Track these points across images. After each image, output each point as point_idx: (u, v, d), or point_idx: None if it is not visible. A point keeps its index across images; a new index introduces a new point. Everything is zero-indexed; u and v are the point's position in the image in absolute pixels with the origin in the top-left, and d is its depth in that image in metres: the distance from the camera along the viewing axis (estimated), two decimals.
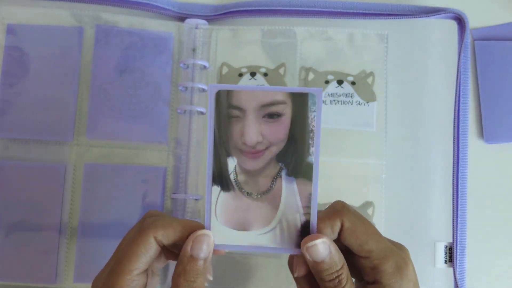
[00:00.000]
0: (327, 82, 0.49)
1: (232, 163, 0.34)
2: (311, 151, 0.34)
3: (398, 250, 0.35)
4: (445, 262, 0.48)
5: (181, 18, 0.51)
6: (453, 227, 0.47)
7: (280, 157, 0.34)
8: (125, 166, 0.49)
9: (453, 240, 0.47)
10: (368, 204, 0.48)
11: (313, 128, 0.34)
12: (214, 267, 0.48)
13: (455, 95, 0.48)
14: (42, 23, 0.50)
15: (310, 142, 0.34)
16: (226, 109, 0.34)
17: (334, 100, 0.49)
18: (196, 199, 0.48)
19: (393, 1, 0.52)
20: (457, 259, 0.47)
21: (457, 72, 0.48)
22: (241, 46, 0.51)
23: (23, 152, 0.49)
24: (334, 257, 0.33)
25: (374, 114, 0.49)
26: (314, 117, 0.33)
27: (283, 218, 0.34)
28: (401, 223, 0.49)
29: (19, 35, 0.50)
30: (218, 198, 0.34)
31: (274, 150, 0.34)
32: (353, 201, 0.48)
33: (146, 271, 0.34)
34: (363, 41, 0.50)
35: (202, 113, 0.49)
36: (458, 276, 0.46)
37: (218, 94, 0.34)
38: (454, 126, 0.48)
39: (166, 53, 0.50)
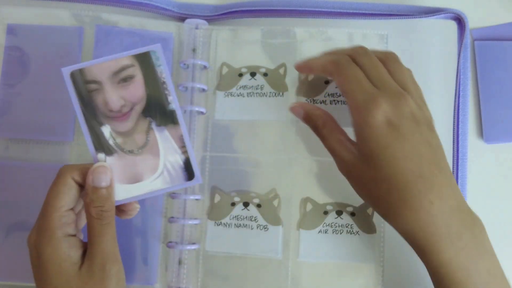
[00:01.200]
0: (327, 82, 0.49)
1: (107, 130, 0.39)
2: (169, 99, 0.39)
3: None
4: None
5: (181, 18, 0.52)
6: None
7: (146, 112, 0.39)
8: None
9: None
10: (368, 204, 0.48)
11: (164, 80, 0.39)
12: (214, 268, 0.48)
13: (455, 96, 0.48)
14: (42, 23, 0.50)
15: (166, 92, 0.39)
16: (84, 85, 0.39)
17: (334, 100, 0.49)
18: (196, 199, 0.48)
19: (393, 1, 0.52)
20: None
21: (457, 72, 0.48)
22: (241, 46, 0.51)
23: (23, 152, 0.49)
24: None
25: None
26: (162, 70, 0.39)
27: (166, 162, 0.39)
28: None
29: (19, 35, 0.50)
30: (106, 161, 0.39)
31: (138, 108, 0.39)
32: (353, 201, 0.48)
33: (72, 209, 0.39)
34: (363, 41, 0.50)
35: (202, 113, 0.49)
36: None
37: (73, 75, 0.38)
38: (453, 127, 0.48)
39: (166, 53, 0.50)
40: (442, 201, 0.37)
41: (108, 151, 0.39)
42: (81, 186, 0.39)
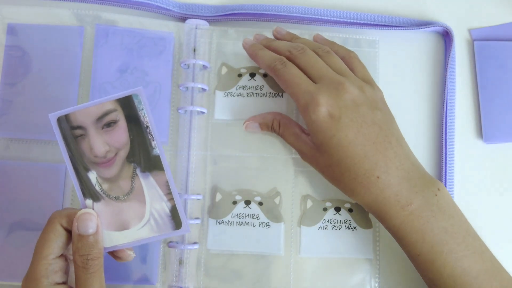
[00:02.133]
0: None
1: (93, 176, 0.39)
2: (153, 144, 0.39)
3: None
4: None
5: (182, 18, 0.52)
6: None
7: (130, 157, 0.39)
8: None
9: None
10: None
11: (147, 124, 0.38)
12: (215, 267, 0.48)
13: (443, 107, 0.50)
14: (42, 23, 0.50)
15: (149, 137, 0.38)
16: (69, 131, 0.38)
17: None
18: (197, 199, 0.49)
19: (389, 7, 0.53)
20: None
21: (445, 82, 0.50)
22: (241, 47, 0.51)
23: (24, 152, 0.48)
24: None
25: None
26: (144, 114, 0.38)
27: (152, 210, 0.39)
28: None
29: (19, 34, 0.49)
30: (93, 208, 0.39)
31: (122, 153, 0.39)
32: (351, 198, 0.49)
33: (62, 256, 0.38)
34: (355, 46, 0.52)
35: (202, 113, 0.50)
36: None
37: (59, 120, 0.38)
38: (442, 134, 0.50)
39: (166, 53, 0.50)
40: (388, 174, 0.41)
41: (95, 197, 0.39)
42: (71, 232, 0.39)
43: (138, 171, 0.39)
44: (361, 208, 0.49)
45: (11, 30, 0.49)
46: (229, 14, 0.51)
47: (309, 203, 0.49)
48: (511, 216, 0.50)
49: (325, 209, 0.49)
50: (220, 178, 0.50)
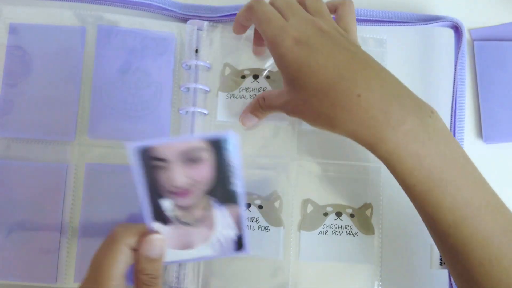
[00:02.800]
0: None
1: (167, 204, 0.38)
2: (234, 182, 0.38)
3: None
4: (441, 264, 0.48)
5: (184, 19, 0.52)
6: None
7: (209, 191, 0.38)
8: (127, 166, 0.48)
9: None
10: (366, 206, 0.49)
11: (233, 165, 0.37)
12: (214, 269, 0.48)
13: (452, 102, 0.49)
14: (44, 23, 0.50)
15: (231, 175, 0.38)
16: (150, 161, 0.37)
17: None
18: None
19: (393, 4, 0.53)
20: None
21: (454, 80, 0.49)
22: (244, 47, 0.51)
23: (25, 152, 0.49)
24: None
25: None
26: (232, 156, 0.37)
27: (220, 235, 0.39)
28: (398, 225, 0.49)
29: (21, 34, 0.49)
30: (161, 231, 0.38)
31: (202, 186, 0.38)
32: (352, 203, 0.49)
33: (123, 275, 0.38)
34: (362, 45, 0.50)
35: (204, 114, 0.50)
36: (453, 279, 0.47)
37: (139, 150, 0.36)
38: (450, 130, 0.49)
39: (168, 53, 0.50)
40: (371, 91, 0.37)
41: (166, 221, 0.39)
42: (134, 249, 0.38)
43: (213, 203, 0.39)
44: (363, 214, 0.48)
45: (13, 30, 0.49)
46: (231, 15, 0.51)
47: (310, 208, 0.48)
48: None
49: (325, 214, 0.48)
50: None
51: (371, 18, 0.51)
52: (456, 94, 0.49)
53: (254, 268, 0.48)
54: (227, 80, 0.51)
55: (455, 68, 0.49)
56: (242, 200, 0.39)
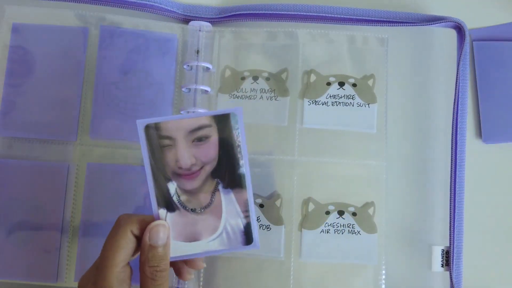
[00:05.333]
0: (328, 84, 0.50)
1: (172, 187, 0.38)
2: (241, 163, 0.37)
3: None
4: (442, 266, 0.48)
5: (186, 20, 0.52)
6: (450, 232, 0.47)
7: (215, 173, 0.38)
8: (128, 166, 0.49)
9: (450, 244, 0.47)
10: (369, 204, 0.48)
11: (239, 143, 0.37)
12: (215, 269, 0.48)
13: (454, 102, 0.49)
14: (47, 23, 0.50)
15: (238, 156, 0.37)
16: (157, 139, 0.37)
17: (336, 102, 0.50)
18: None
19: (394, 4, 0.53)
20: (454, 263, 0.47)
21: (456, 79, 0.49)
22: (244, 49, 0.51)
23: (27, 151, 0.49)
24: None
25: (375, 116, 0.50)
26: (238, 133, 0.37)
27: (227, 224, 0.38)
28: (400, 225, 0.49)
29: (24, 34, 0.50)
30: (166, 218, 0.38)
31: (208, 168, 0.38)
32: (355, 202, 0.48)
33: (128, 263, 0.37)
34: (364, 44, 0.51)
35: None
36: (454, 280, 0.47)
37: (147, 127, 0.37)
38: (452, 132, 0.48)
39: (170, 54, 0.51)
40: None
41: (171, 207, 0.38)
42: (139, 239, 0.38)
43: (220, 187, 0.38)
44: (366, 213, 0.48)
45: (16, 30, 0.50)
46: (233, 15, 0.51)
47: (311, 206, 0.48)
48: (511, 215, 0.50)
49: (327, 213, 0.48)
50: None
51: (373, 19, 0.51)
52: (458, 95, 0.49)
53: (256, 268, 0.47)
54: (227, 81, 0.51)
55: (458, 68, 0.49)
56: (249, 183, 0.38)
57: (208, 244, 0.38)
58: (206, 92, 0.50)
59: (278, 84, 0.50)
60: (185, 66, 0.50)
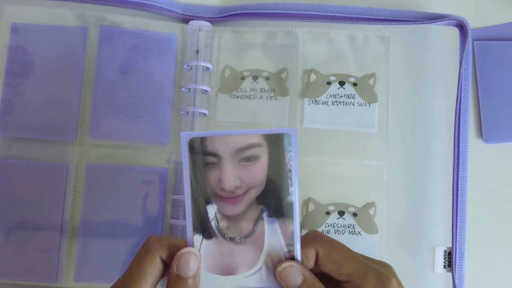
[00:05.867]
0: (329, 83, 0.50)
1: (212, 210, 0.34)
2: (290, 190, 0.34)
3: (379, 267, 0.34)
4: (444, 267, 0.48)
5: (185, 19, 0.52)
6: (452, 233, 0.47)
7: (260, 199, 0.34)
8: (127, 166, 0.49)
9: (452, 245, 0.47)
10: (370, 204, 0.48)
11: (290, 168, 0.33)
12: None
13: (456, 101, 0.48)
14: (46, 23, 0.50)
15: (289, 182, 0.33)
16: (201, 156, 0.33)
17: (336, 101, 0.49)
18: None
19: (395, 2, 0.53)
20: (456, 264, 0.47)
21: (459, 78, 0.48)
22: (244, 48, 0.51)
23: (26, 151, 0.49)
24: (309, 282, 0.33)
25: (376, 115, 0.49)
26: (291, 156, 0.33)
27: (268, 258, 0.34)
28: (401, 225, 0.49)
29: (23, 34, 0.50)
30: (201, 245, 0.34)
31: (254, 193, 0.34)
32: (355, 202, 0.48)
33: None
34: (365, 42, 0.51)
35: (204, 114, 0.50)
36: (457, 281, 0.46)
37: (191, 142, 0.33)
38: (454, 131, 0.48)
39: (169, 54, 0.50)
40: None
41: (208, 233, 0.34)
42: (167, 264, 0.34)
43: (264, 215, 0.34)
44: (366, 213, 0.48)
45: (15, 29, 0.50)
46: (233, 15, 0.51)
47: (311, 206, 0.48)
48: (511, 215, 0.50)
49: (327, 213, 0.48)
50: None
51: (374, 17, 0.50)
52: (461, 93, 0.48)
53: None
54: (227, 81, 0.51)
55: (460, 67, 0.49)
56: (297, 214, 0.34)
57: (243, 280, 0.34)
58: (205, 92, 0.50)
59: (278, 83, 0.50)
60: (184, 66, 0.50)
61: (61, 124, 0.49)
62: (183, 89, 0.50)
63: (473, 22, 0.52)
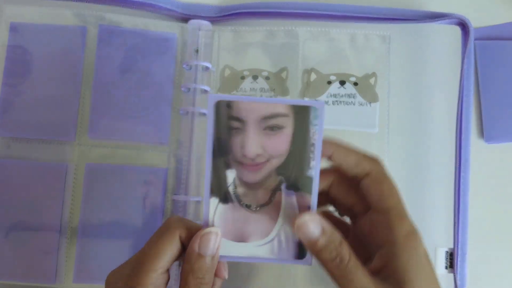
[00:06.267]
0: (329, 82, 0.49)
1: (231, 175, 0.34)
2: (311, 164, 0.33)
3: None
4: (446, 268, 0.47)
5: (185, 19, 0.52)
6: (454, 233, 0.46)
7: (280, 170, 0.34)
8: (127, 166, 0.49)
9: (454, 246, 0.46)
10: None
11: (314, 142, 0.33)
12: None
13: (458, 100, 0.48)
14: (45, 22, 0.50)
15: (310, 155, 0.33)
16: (226, 120, 0.33)
17: (337, 101, 0.49)
18: (197, 201, 0.48)
19: (396, 1, 0.52)
20: (458, 265, 0.46)
21: (460, 78, 0.48)
22: (244, 48, 0.51)
23: (25, 151, 0.49)
24: (328, 234, 0.32)
25: (377, 115, 0.49)
26: (316, 130, 0.33)
27: (281, 231, 0.34)
28: None
29: (22, 34, 0.50)
30: (216, 209, 0.34)
31: (274, 162, 0.34)
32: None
33: (168, 270, 0.34)
34: (366, 42, 0.50)
35: (204, 114, 0.49)
36: (458, 282, 0.46)
37: (218, 104, 0.33)
38: (456, 130, 0.48)
39: (169, 54, 0.50)
40: None
41: (224, 198, 0.34)
42: (184, 246, 0.34)
43: (283, 186, 0.34)
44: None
45: (14, 29, 0.50)
46: (232, 14, 0.51)
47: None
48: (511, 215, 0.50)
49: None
50: None
51: (375, 16, 0.50)
52: (463, 93, 0.48)
53: (256, 267, 0.47)
54: (227, 81, 0.50)
55: (462, 66, 0.48)
56: (316, 189, 0.33)
57: (255, 249, 0.34)
58: (205, 92, 0.50)
59: (278, 83, 0.50)
60: (184, 66, 0.50)
61: (60, 124, 0.49)
62: (182, 89, 0.50)
63: (474, 22, 0.52)
